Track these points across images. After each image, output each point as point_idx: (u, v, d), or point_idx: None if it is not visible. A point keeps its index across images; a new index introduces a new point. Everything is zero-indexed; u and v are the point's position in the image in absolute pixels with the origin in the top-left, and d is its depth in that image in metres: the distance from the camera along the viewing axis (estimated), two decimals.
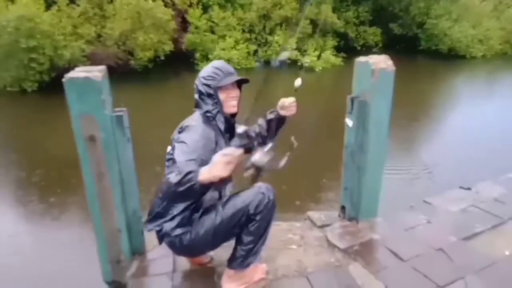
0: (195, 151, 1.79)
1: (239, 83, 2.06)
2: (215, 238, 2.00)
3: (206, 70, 1.99)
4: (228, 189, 2.18)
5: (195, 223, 1.98)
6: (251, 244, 2.01)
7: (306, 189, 5.27)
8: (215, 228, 1.96)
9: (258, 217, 1.95)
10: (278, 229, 2.88)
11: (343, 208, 3.01)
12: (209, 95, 1.94)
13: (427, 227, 2.90)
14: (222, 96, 1.95)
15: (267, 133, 2.20)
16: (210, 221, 1.96)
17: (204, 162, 1.73)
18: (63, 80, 1.94)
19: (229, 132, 2.05)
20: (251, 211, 1.94)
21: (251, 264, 2.07)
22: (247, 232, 1.99)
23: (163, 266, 2.49)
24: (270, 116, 2.20)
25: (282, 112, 2.16)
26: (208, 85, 1.93)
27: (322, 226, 2.93)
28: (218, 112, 1.96)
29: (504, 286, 2.29)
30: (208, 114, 1.97)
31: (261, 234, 2.02)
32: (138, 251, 2.59)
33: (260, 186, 2.00)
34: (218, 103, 1.94)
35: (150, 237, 2.54)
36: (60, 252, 3.97)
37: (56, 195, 5.06)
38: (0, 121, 8.38)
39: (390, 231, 2.84)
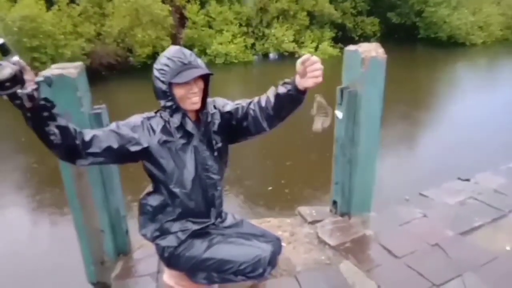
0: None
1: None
2: (193, 269, 1.72)
3: (159, 61, 1.55)
4: (231, 214, 1.89)
5: (184, 243, 1.69)
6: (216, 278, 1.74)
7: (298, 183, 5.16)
8: (198, 261, 1.69)
9: (241, 278, 1.68)
10: (268, 225, 2.77)
11: (334, 203, 2.88)
12: (163, 92, 1.53)
13: (423, 221, 2.77)
14: (179, 92, 1.53)
15: (273, 112, 1.56)
16: (196, 250, 1.68)
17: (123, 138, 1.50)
18: (37, 78, 1.84)
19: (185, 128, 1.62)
20: (240, 269, 1.66)
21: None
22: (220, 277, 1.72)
23: (147, 266, 2.40)
24: (282, 89, 1.50)
25: (301, 82, 1.45)
26: (160, 80, 1.53)
27: (313, 222, 2.81)
28: (176, 107, 1.57)
29: (505, 283, 2.16)
30: (168, 110, 1.59)
31: (229, 280, 1.72)
32: (123, 251, 2.52)
33: (266, 249, 1.69)
34: (174, 99, 1.54)
35: (136, 237, 2.43)
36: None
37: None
38: (4, 120, 8.31)
39: (384, 226, 2.72)
